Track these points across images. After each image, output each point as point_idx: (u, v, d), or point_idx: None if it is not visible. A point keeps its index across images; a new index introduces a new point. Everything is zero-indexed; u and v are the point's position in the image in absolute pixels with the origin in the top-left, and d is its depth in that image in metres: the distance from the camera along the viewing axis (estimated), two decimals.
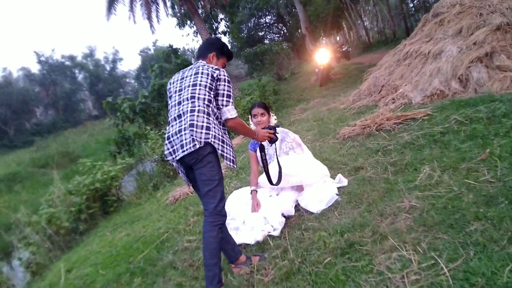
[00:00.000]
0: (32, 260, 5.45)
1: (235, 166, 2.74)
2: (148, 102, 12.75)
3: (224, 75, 2.68)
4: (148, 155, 8.65)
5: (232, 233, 3.49)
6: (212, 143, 2.51)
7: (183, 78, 2.76)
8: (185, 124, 2.53)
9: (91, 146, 26.49)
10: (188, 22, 22.92)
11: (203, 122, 2.52)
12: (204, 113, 2.55)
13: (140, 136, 11.28)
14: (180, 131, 2.56)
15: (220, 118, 2.70)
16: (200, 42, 18.44)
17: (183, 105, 2.62)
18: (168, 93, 2.84)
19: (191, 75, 2.71)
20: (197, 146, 2.47)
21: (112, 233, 5.27)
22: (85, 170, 6.87)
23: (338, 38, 44.67)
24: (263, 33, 47.30)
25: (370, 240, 2.76)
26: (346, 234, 2.93)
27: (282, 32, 46.76)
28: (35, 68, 57.21)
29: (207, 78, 2.63)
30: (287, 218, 3.56)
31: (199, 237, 3.90)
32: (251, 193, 3.95)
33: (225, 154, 2.62)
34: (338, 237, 2.93)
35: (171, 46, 17.31)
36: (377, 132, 4.93)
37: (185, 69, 2.85)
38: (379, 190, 3.46)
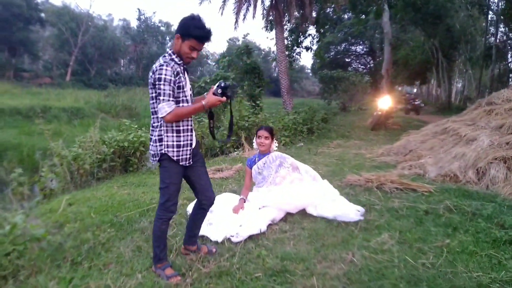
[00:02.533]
0: (48, 185, 6.21)
1: (190, 162, 2.96)
2: (206, 88, 13.40)
3: (159, 74, 2.63)
4: None
5: (204, 223, 3.96)
6: (166, 152, 2.83)
7: None
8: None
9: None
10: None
11: (156, 135, 2.85)
12: (156, 126, 2.86)
13: None
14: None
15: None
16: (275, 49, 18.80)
17: None
18: None
19: None
20: (156, 159, 2.91)
21: (118, 188, 5.87)
22: (123, 128, 7.62)
23: (415, 90, 43.61)
24: (349, 60, 47.24)
25: (300, 274, 3.08)
26: (285, 261, 3.28)
27: (368, 66, 46.45)
28: (134, 23, 60.54)
29: (151, 89, 2.74)
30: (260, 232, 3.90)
31: (177, 217, 4.37)
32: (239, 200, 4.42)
33: (180, 157, 2.88)
34: (277, 261, 3.28)
35: (246, 46, 17.98)
36: (376, 190, 5.14)
37: None
38: (339, 238, 3.75)
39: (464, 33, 26.23)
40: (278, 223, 4.21)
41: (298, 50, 25.30)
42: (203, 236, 3.81)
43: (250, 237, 3.78)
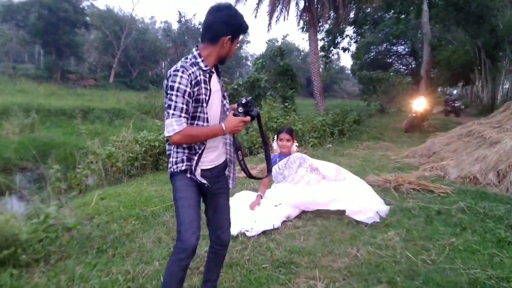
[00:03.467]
0: (83, 182, 6.70)
1: (207, 184, 2.29)
2: (239, 90, 13.74)
3: (172, 82, 2.07)
4: None
5: None
6: (173, 170, 2.31)
7: None
8: None
9: None
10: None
11: (167, 152, 2.41)
12: (167, 142, 2.40)
13: None
14: None
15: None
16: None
17: None
18: None
19: None
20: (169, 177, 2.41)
21: (147, 185, 6.26)
22: (155, 128, 8.06)
23: (455, 91, 42.22)
24: (391, 60, 46.31)
25: (304, 266, 3.30)
26: (293, 254, 3.51)
27: (410, 66, 45.38)
28: (175, 26, 61.97)
29: (165, 98, 2.17)
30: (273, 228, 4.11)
31: None
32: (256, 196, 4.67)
33: (193, 169, 2.26)
34: (285, 253, 3.51)
35: (280, 48, 18.22)
36: (393, 190, 5.25)
37: None
38: (347, 234, 3.94)
39: (508, 33, 25.32)
40: (292, 219, 4.42)
41: (335, 51, 25.23)
42: None
43: (264, 232, 4.01)
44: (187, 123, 2.13)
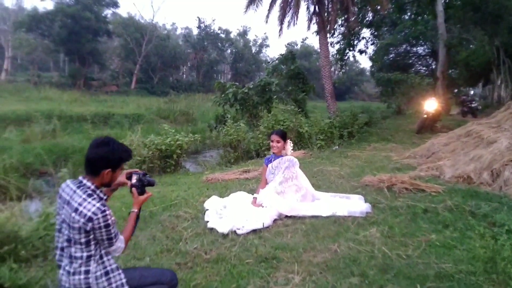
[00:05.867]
0: None
1: None
2: (250, 94, 13.94)
3: (97, 222, 2.17)
4: (223, 138, 9.92)
5: (215, 217, 4.51)
6: None
7: None
8: None
9: (209, 114, 28.67)
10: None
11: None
12: None
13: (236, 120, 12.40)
14: None
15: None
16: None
17: None
18: None
19: None
20: None
21: (151, 188, 6.53)
22: (163, 132, 8.35)
23: (472, 92, 41.40)
24: (410, 61, 45.76)
25: (286, 261, 3.49)
26: (277, 250, 3.69)
27: (430, 67, 44.76)
28: (194, 32, 62.74)
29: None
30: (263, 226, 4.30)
31: (194, 212, 4.90)
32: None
33: None
34: (270, 249, 3.70)
35: (290, 52, 18.39)
36: (385, 190, 5.37)
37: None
38: (332, 231, 4.11)
39: None
40: (283, 218, 4.60)
41: (351, 53, 25.13)
42: (212, 229, 4.29)
43: (254, 230, 4.21)
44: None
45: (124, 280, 2.37)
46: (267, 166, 5.13)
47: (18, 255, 3.48)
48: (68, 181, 2.38)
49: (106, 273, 2.31)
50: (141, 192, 2.62)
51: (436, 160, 6.50)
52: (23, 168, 11.27)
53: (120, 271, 2.39)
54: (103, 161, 2.31)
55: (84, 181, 2.31)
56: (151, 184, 2.66)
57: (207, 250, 3.78)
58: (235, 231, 4.19)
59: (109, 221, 2.22)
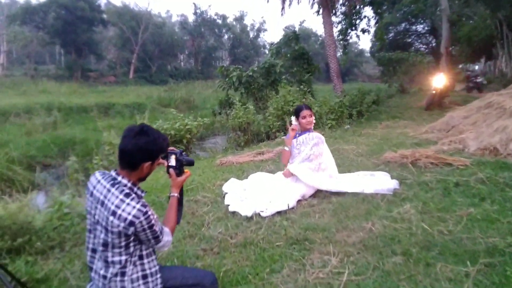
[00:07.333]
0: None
1: None
2: (254, 77, 13.65)
3: (140, 224, 1.96)
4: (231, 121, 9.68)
5: (236, 200, 4.31)
6: None
7: None
8: None
9: (210, 100, 28.43)
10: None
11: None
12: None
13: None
14: None
15: None
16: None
17: None
18: None
19: None
20: None
21: (164, 173, 6.31)
22: (171, 117, 8.10)
23: (476, 67, 41.03)
24: (410, 40, 45.32)
25: (318, 242, 3.27)
26: (307, 231, 3.48)
27: (430, 45, 44.32)
28: (190, 18, 61.95)
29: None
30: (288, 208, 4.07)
31: (213, 196, 4.69)
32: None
33: None
34: (299, 231, 3.49)
35: (294, 32, 18.02)
36: (410, 165, 5.14)
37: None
38: (362, 210, 3.88)
39: None
40: (307, 198, 4.38)
41: (353, 33, 24.65)
42: (234, 212, 4.08)
43: (279, 212, 3.99)
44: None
45: (160, 286, 2.14)
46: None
47: (34, 247, 3.28)
48: (98, 175, 2.11)
49: (144, 277, 2.09)
50: (179, 173, 2.35)
51: (457, 133, 6.27)
52: (26, 160, 11.10)
53: (159, 275, 2.16)
54: (144, 153, 2.04)
55: (119, 178, 2.05)
56: (190, 163, 2.38)
57: (232, 234, 3.58)
58: (259, 214, 3.98)
59: (153, 221, 1.99)
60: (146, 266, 2.10)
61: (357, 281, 2.67)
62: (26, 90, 27.60)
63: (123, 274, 2.01)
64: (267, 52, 70.80)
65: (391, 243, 3.10)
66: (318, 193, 4.47)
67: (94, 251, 2.09)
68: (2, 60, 42.24)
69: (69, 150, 12.02)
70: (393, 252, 2.96)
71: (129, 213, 1.91)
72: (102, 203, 1.98)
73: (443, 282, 2.53)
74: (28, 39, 41.00)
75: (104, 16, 47.59)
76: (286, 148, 4.68)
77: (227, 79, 13.97)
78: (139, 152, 2.03)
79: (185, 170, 2.40)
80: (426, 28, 43.62)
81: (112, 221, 1.92)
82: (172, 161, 2.32)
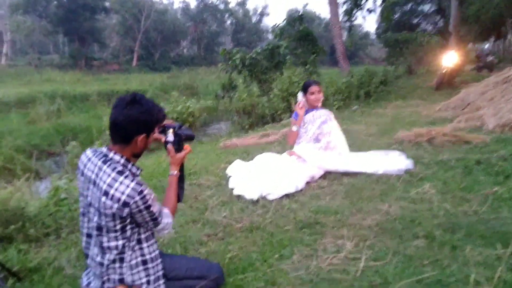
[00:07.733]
0: None
1: None
2: (258, 59, 13.33)
3: (136, 204, 1.77)
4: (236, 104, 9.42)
5: (241, 183, 4.04)
6: None
7: None
8: None
9: (213, 86, 28.21)
10: None
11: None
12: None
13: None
14: None
15: None
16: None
17: None
18: None
19: None
20: None
21: (166, 157, 6.10)
22: (172, 100, 7.85)
23: (486, 46, 40.25)
24: (417, 20, 44.63)
25: (331, 226, 3.02)
26: (318, 214, 3.23)
27: (437, 25, 43.57)
28: (192, 4, 61.36)
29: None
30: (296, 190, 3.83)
31: (216, 179, 4.45)
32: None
33: None
34: (309, 214, 3.24)
35: (298, 12, 17.62)
36: (426, 144, 4.88)
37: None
38: (377, 191, 3.63)
39: None
40: (317, 180, 4.13)
41: (359, 13, 24.15)
42: (239, 196, 3.84)
43: (287, 195, 3.75)
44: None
45: (161, 273, 1.95)
46: (295, 119, 4.54)
47: (27, 235, 3.07)
48: (89, 152, 1.90)
49: (144, 262, 1.89)
50: (178, 148, 2.12)
51: (474, 110, 5.98)
52: (29, 149, 10.96)
53: (160, 260, 1.96)
54: (137, 124, 1.82)
55: (111, 154, 1.85)
56: (189, 137, 2.16)
57: (238, 218, 3.34)
58: (265, 197, 3.73)
59: (149, 201, 1.79)
60: (146, 251, 1.91)
61: (375, 267, 2.41)
62: (30, 80, 27.45)
63: (121, 260, 1.83)
64: (270, 36, 70.34)
65: (411, 226, 2.85)
66: (328, 175, 4.21)
67: (89, 236, 1.90)
68: (6, 50, 41.98)
69: (73, 138, 11.88)
70: (414, 235, 2.71)
71: (122, 193, 1.73)
72: (94, 183, 1.79)
73: (473, 266, 2.28)
74: (31, 28, 40.71)
75: (107, 3, 47.08)
76: (294, 128, 4.40)
77: (230, 62, 13.65)
78: (132, 124, 1.81)
79: (185, 146, 2.16)
80: (433, 8, 42.86)
81: (104, 202, 1.73)
82: (170, 136, 2.08)
